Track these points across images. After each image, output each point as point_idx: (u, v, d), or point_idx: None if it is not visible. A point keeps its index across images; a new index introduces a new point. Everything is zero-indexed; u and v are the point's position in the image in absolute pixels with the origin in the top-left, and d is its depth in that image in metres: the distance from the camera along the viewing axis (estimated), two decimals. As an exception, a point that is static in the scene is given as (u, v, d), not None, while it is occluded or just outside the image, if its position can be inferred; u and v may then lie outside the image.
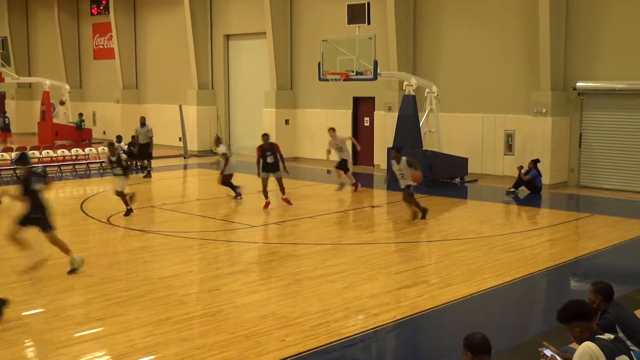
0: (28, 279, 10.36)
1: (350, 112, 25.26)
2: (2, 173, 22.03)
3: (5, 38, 39.28)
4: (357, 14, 19.78)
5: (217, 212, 16.62)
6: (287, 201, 16.90)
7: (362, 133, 25.01)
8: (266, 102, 27.28)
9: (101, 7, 35.30)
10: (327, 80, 20.27)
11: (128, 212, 15.46)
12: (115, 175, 15.57)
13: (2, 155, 23.48)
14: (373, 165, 24.47)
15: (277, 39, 26.60)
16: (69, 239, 13.71)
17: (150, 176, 22.50)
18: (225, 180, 18.01)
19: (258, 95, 28.17)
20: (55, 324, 8.47)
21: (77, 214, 16.13)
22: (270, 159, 16.52)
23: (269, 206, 16.51)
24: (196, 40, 29.97)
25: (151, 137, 23.18)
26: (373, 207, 17.86)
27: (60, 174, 23.12)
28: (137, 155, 23.07)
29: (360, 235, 14.28)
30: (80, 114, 33.01)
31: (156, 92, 33.21)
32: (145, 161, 23.13)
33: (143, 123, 23.16)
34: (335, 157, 19.40)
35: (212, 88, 30.59)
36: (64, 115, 32.93)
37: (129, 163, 16.02)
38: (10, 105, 41.00)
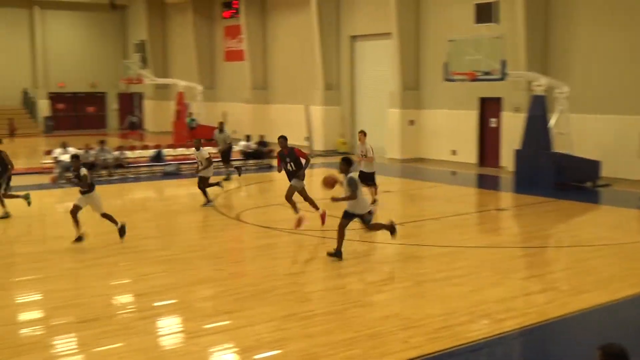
0: (162, 271, 10.89)
1: (476, 113, 24.82)
2: (137, 169, 23.21)
3: (145, 41, 41.37)
4: (484, 13, 19.46)
5: (341, 210, 16.73)
6: (322, 218, 14.11)
7: (488, 134, 24.54)
8: (391, 102, 27.26)
9: (233, 11, 36.43)
10: (454, 80, 20.01)
11: (78, 239, 12.79)
12: (82, 194, 12.81)
13: (139, 152, 24.74)
14: (499, 166, 23.93)
15: (403, 40, 26.51)
16: (199, 234, 14.30)
17: (229, 179, 21.49)
18: (203, 185, 17.03)
19: (383, 95, 28.19)
20: (187, 315, 8.85)
21: (208, 210, 16.70)
22: (290, 166, 14.30)
23: (324, 219, 14.11)
24: (322, 41, 30.37)
25: (230, 143, 22.66)
26: (499, 210, 17.47)
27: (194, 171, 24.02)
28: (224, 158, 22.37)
29: (485, 238, 14.01)
30: (190, 114, 34.17)
31: (283, 92, 33.93)
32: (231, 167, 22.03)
33: (221, 129, 22.05)
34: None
35: (338, 89, 30.89)
36: (197, 116, 34.25)
37: (91, 179, 12.94)
38: (147, 105, 43.11)
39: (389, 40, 27.16)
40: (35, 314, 9.07)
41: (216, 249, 12.75)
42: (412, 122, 26.80)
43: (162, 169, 23.38)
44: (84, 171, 12.65)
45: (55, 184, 18.87)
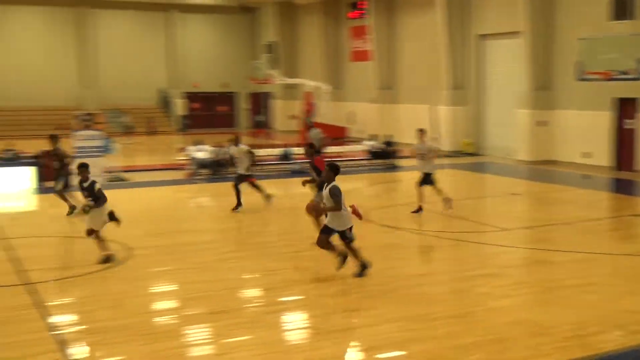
0: (288, 267, 11.14)
1: (610, 114, 23.71)
2: (265, 167, 23.79)
3: (274, 43, 42.35)
4: (620, 9, 18.55)
5: (468, 212, 16.50)
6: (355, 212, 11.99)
7: (623, 136, 23.39)
8: (520, 102, 26.54)
9: (359, 12, 36.65)
10: (588, 80, 19.23)
11: (107, 258, 11.37)
12: (86, 208, 11.48)
13: (268, 150, 25.37)
14: (634, 170, 22.77)
15: (533, 38, 25.73)
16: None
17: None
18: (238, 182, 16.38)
19: (511, 96, 27.48)
20: (312, 312, 9.01)
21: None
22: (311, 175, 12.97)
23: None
24: (449, 40, 29.98)
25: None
26: (635, 216, 16.64)
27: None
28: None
29: (621, 245, 13.38)
30: (307, 113, 34.53)
31: (409, 92, 33.77)
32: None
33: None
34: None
35: (465, 88, 30.41)
36: (323, 115, 34.71)
37: (101, 192, 11.50)
38: (275, 104, 44.10)
39: (518, 39, 26.45)
40: (170, 304, 9.51)
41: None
42: (544, 123, 25.95)
43: (289, 168, 23.90)
44: (97, 185, 11.49)
45: (188, 179, 19.70)
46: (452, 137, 29.82)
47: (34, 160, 20.70)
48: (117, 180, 21.33)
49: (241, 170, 16.47)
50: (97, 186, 11.47)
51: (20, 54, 40.81)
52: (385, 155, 25.48)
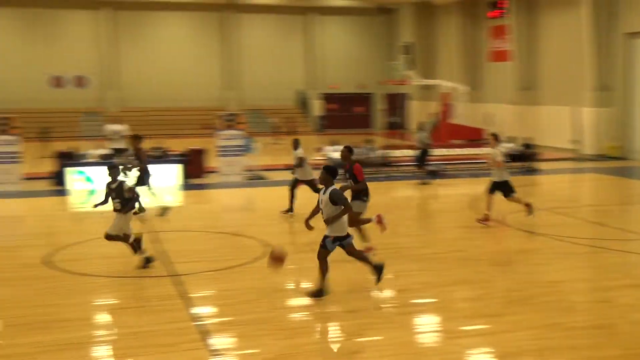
0: (422, 269, 11.11)
1: None
2: (400, 168, 23.78)
3: (411, 43, 42.20)
4: None
5: (610, 219, 15.78)
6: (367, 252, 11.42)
7: None
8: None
9: (499, 11, 35.84)
10: None
11: (147, 262, 11.16)
12: (114, 211, 11.17)
13: (403, 151, 25.33)
14: None
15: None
16: (459, 234, 14.28)
17: (428, 183, 20.56)
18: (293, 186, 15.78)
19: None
20: (446, 315, 8.95)
21: (464, 212, 16.65)
22: (350, 183, 11.94)
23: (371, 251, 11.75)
24: (594, 39, 28.71)
25: (428, 144, 21.69)
26: None
27: (455, 172, 24.13)
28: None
29: None
30: (434, 114, 34.05)
31: (550, 93, 32.65)
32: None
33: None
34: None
35: (610, 89, 29.01)
36: (460, 117, 34.26)
37: (134, 195, 11.29)
38: (411, 105, 43.96)
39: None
40: (305, 301, 9.72)
41: (477, 251, 12.69)
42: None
43: (426, 169, 23.74)
44: (127, 186, 11.18)
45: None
46: (595, 141, 28.57)
47: (181, 157, 21.75)
48: (257, 178, 22.04)
49: (297, 174, 15.84)
50: (126, 187, 11.10)
51: (168, 57, 43.04)
52: (523, 158, 24.78)
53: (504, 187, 14.51)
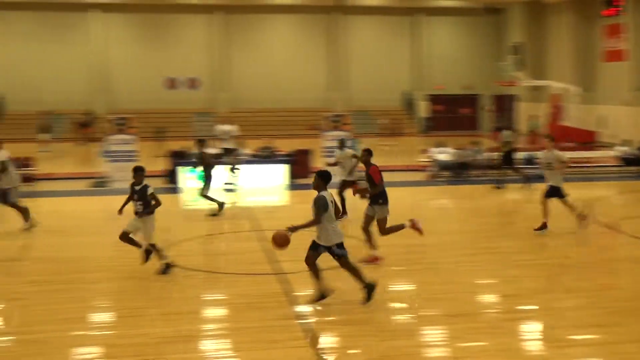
0: (527, 275, 10.91)
1: None
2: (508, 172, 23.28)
3: (521, 44, 41.27)
4: None
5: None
6: (371, 260, 11.48)
7: None
8: None
9: (615, 9, 34.48)
10: None
11: (167, 268, 11.02)
12: (136, 213, 11.04)
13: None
14: None
15: None
16: (565, 240, 13.87)
17: (528, 186, 19.85)
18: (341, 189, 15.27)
19: None
20: (552, 323, 8.75)
21: (570, 217, 16.14)
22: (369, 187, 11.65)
23: (377, 261, 11.56)
24: None
25: (512, 144, 20.75)
26: None
27: (567, 177, 23.37)
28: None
29: None
30: (534, 117, 32.99)
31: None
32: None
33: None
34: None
35: None
36: (573, 119, 33.20)
37: (155, 199, 11.01)
38: (520, 107, 42.94)
39: None
40: (407, 303, 9.75)
41: (585, 258, 12.32)
42: None
43: (533, 172, 23.19)
44: (151, 189, 10.96)
45: (430, 181, 19.94)
46: None
47: (288, 157, 22.17)
48: (361, 179, 22.16)
49: (344, 175, 15.55)
50: (150, 190, 10.90)
51: (276, 59, 43.82)
52: (639, 162, 23.80)
53: (559, 192, 13.87)
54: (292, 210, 18.19)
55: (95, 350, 7.97)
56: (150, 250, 11.02)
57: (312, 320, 8.97)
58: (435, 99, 45.21)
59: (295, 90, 43.57)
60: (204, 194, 16.08)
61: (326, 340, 8.27)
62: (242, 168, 20.51)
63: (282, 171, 21.59)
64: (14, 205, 14.68)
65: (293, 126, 39.26)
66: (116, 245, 11.42)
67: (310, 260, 9.36)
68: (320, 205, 9.07)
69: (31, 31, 41.68)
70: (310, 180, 22.02)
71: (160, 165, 21.85)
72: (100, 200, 18.98)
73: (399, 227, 11.43)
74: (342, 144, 16.07)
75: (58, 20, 42.07)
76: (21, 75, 41.07)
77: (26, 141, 31.67)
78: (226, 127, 22.26)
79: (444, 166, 22.43)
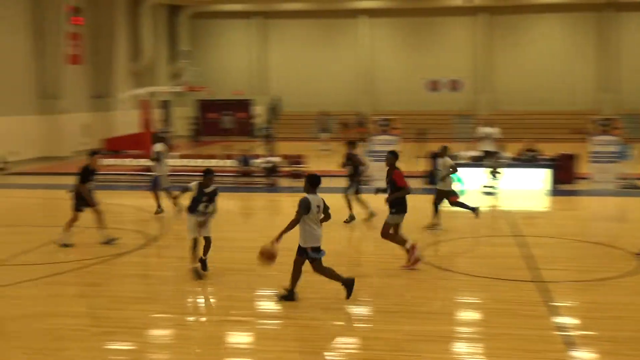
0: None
1: None
2: None
3: None
4: None
5: None
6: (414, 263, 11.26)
7: None
8: None
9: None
10: None
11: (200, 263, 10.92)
12: (200, 214, 10.85)
13: None
14: None
15: None
16: None
17: None
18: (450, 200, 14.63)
19: None
20: None
21: None
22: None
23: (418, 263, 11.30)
24: None
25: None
26: None
27: None
28: None
29: None
30: None
31: None
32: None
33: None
34: None
35: None
36: None
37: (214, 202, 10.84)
38: None
39: None
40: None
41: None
42: None
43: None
44: (218, 193, 10.91)
45: None
46: None
47: (551, 162, 21.29)
48: (632, 187, 20.64)
49: (440, 185, 14.73)
50: (218, 194, 10.89)
51: (540, 60, 42.32)
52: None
53: None
54: (553, 216, 17.44)
55: (351, 341, 8.35)
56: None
57: (573, 333, 8.54)
58: None
59: (559, 91, 41.79)
60: (349, 195, 15.62)
61: (587, 356, 7.83)
62: (504, 171, 20.13)
63: (544, 176, 20.79)
64: (165, 191, 16.33)
65: (557, 129, 37.56)
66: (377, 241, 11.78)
67: (296, 264, 9.48)
68: (302, 206, 9.19)
69: (305, 37, 44.53)
70: (574, 186, 21.06)
71: (421, 166, 22.14)
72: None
73: (401, 242, 11.33)
74: (443, 153, 15.09)
75: (330, 26, 44.49)
76: (295, 78, 44.09)
77: (298, 140, 33.85)
78: (488, 130, 21.98)
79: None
